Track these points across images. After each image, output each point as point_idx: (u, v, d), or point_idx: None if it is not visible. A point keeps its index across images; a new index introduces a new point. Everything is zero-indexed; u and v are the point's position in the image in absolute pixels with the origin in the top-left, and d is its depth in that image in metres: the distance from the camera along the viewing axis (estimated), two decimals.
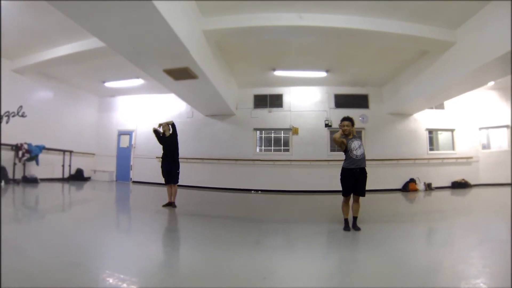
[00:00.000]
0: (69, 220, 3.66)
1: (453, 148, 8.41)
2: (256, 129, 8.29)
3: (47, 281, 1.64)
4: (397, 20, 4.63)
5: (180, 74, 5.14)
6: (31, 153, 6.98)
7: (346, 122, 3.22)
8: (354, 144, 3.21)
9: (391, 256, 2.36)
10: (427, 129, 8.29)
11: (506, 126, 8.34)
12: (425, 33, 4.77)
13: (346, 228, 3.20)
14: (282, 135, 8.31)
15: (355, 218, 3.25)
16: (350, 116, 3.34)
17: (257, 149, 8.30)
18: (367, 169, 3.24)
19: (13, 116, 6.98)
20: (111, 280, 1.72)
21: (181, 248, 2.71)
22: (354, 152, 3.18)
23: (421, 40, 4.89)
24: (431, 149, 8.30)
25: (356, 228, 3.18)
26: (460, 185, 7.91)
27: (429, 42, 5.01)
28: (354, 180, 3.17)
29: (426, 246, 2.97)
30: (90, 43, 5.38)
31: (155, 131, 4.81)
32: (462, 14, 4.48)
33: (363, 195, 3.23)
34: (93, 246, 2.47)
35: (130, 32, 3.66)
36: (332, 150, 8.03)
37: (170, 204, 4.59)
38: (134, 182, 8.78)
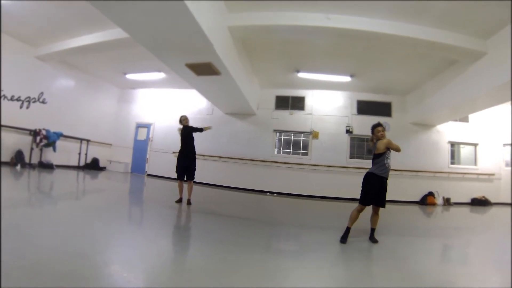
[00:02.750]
0: (80, 209, 3.63)
1: (475, 164, 8.15)
2: (276, 131, 8.19)
3: (49, 269, 1.62)
4: (426, 26, 4.46)
5: (203, 70, 5.08)
6: (48, 139, 7.05)
7: (381, 128, 3.15)
8: (388, 152, 3.09)
9: (406, 272, 2.27)
10: (449, 142, 8.05)
11: None
12: (455, 41, 4.59)
13: (344, 239, 2.93)
14: (302, 138, 8.18)
15: (373, 230, 3.12)
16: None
17: (276, 151, 8.19)
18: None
19: (34, 102, 7.09)
20: (112, 274, 1.69)
21: (190, 247, 2.65)
22: (388, 161, 3.06)
23: (450, 48, 4.70)
24: (452, 163, 8.06)
25: (374, 240, 3.04)
26: (480, 202, 7.65)
27: (458, 51, 4.81)
28: (380, 189, 3.01)
29: (440, 263, 2.84)
30: (112, 33, 5.40)
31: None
32: (494, 24, 4.28)
33: (384, 207, 3.10)
34: (100, 237, 2.42)
35: (153, 23, 3.60)
36: (352, 157, 7.88)
37: (181, 200, 4.49)
38: (149, 175, 8.79)
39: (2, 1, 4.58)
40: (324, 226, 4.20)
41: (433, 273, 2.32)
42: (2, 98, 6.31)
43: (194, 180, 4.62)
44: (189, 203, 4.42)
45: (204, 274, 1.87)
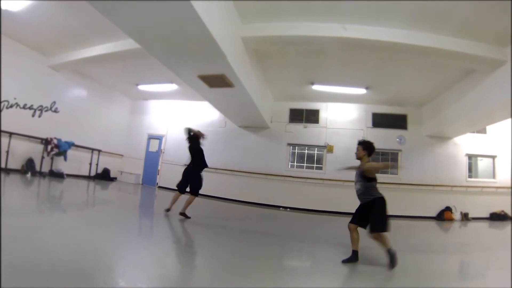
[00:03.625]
0: (87, 219, 3.61)
1: (493, 177, 7.90)
2: (289, 144, 8.09)
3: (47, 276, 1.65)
4: (443, 35, 4.34)
5: (216, 81, 4.99)
6: (60, 148, 7.07)
7: (359, 146, 2.95)
8: (355, 176, 2.98)
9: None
10: (467, 154, 7.83)
11: None
12: (473, 50, 4.44)
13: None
14: (316, 152, 8.06)
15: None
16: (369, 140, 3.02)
17: (289, 165, 8.08)
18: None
19: (46, 110, 7.13)
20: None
21: (196, 261, 2.66)
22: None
23: (468, 57, 4.56)
24: (469, 176, 7.84)
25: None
26: (499, 217, 7.40)
27: (477, 60, 4.66)
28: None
29: (458, 280, 2.78)
30: (125, 44, 5.37)
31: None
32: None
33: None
34: (103, 249, 2.40)
35: (165, 33, 3.52)
36: None
37: (168, 210, 4.37)
38: (160, 187, 8.74)
39: (2, 1, 4.55)
40: (338, 242, 3.96)
41: None
42: (14, 107, 6.36)
43: (196, 195, 4.38)
44: (180, 214, 4.21)
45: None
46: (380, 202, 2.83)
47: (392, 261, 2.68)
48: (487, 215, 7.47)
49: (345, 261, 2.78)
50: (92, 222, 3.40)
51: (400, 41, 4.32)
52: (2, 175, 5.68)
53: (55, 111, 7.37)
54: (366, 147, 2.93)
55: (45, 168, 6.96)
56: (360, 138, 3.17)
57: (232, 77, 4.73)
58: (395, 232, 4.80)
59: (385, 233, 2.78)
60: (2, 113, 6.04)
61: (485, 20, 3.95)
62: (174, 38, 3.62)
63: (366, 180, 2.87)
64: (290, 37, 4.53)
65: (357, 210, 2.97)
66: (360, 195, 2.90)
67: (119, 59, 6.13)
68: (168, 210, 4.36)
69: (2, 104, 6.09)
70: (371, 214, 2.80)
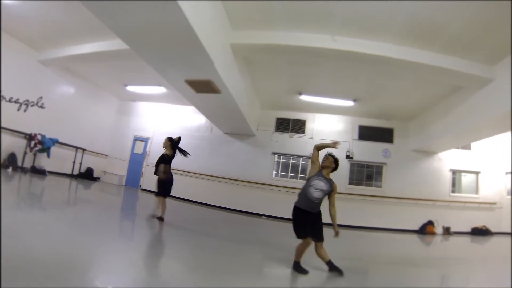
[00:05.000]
0: (67, 218, 3.56)
1: (476, 192, 8.00)
2: (274, 153, 8.08)
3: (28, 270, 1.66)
4: (433, 52, 4.40)
5: (202, 87, 4.95)
6: (43, 145, 6.90)
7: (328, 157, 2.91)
8: (318, 182, 2.83)
9: None
10: (451, 170, 7.91)
11: None
12: (462, 67, 4.51)
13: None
14: (301, 162, 8.05)
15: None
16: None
17: (274, 174, 8.06)
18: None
19: (32, 105, 6.96)
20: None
21: (166, 264, 2.66)
22: (312, 192, 2.81)
23: (456, 74, 4.61)
24: (453, 191, 7.91)
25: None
26: (480, 232, 7.49)
27: (465, 77, 4.72)
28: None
29: None
30: (115, 44, 5.28)
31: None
32: (501, 50, 4.17)
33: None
34: (79, 250, 2.37)
35: (154, 36, 3.49)
36: (351, 183, 7.74)
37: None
38: (143, 189, 8.64)
39: (2, 1, 4.48)
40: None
41: None
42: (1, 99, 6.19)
43: (162, 196, 4.47)
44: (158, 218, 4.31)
45: None
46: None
47: (337, 269, 2.78)
48: (469, 230, 7.55)
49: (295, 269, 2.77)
50: (71, 222, 3.37)
51: (390, 56, 4.35)
52: None
53: (41, 106, 7.21)
54: (336, 161, 2.90)
55: (27, 164, 6.78)
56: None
57: (219, 84, 4.69)
58: (377, 245, 4.88)
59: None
60: None
61: (474, 38, 4.01)
62: (163, 41, 3.59)
63: (329, 194, 2.85)
64: (280, 46, 4.51)
65: (308, 222, 2.79)
66: (317, 204, 2.81)
67: (109, 59, 6.05)
68: (161, 218, 4.35)
69: None
70: (319, 225, 2.84)
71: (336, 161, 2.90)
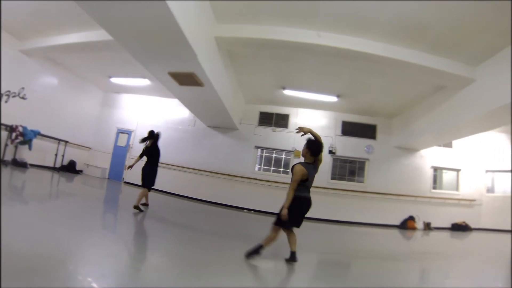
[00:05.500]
0: (48, 212, 3.51)
1: (457, 189, 8.17)
2: (257, 147, 8.07)
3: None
4: (418, 51, 4.46)
5: (186, 80, 4.93)
6: (25, 137, 6.76)
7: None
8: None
9: None
10: (432, 167, 8.05)
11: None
12: (445, 67, 4.59)
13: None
14: (284, 156, 8.08)
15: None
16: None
17: (256, 168, 8.06)
18: None
19: (14, 96, 6.78)
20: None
21: (146, 256, 2.68)
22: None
23: (440, 74, 4.70)
24: (434, 188, 8.05)
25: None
26: (460, 228, 7.66)
27: (447, 77, 4.81)
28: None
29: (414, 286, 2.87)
30: (100, 34, 5.20)
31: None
32: (484, 51, 4.29)
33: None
34: (60, 243, 2.35)
35: (137, 27, 3.45)
36: (333, 178, 7.81)
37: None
38: (126, 182, 8.54)
39: (2, 1, 4.42)
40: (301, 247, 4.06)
41: None
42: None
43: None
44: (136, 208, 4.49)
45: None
46: None
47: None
48: (449, 225, 7.71)
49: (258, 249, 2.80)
50: (53, 215, 3.32)
51: (375, 53, 4.39)
52: None
53: (23, 97, 7.03)
54: (308, 145, 2.89)
55: (8, 157, 6.63)
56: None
57: (202, 77, 4.66)
58: (359, 240, 4.92)
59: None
60: None
61: (458, 39, 4.08)
62: (146, 33, 3.55)
63: None
64: (264, 40, 4.51)
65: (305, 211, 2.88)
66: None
67: (93, 50, 5.94)
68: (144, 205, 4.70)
69: None
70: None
71: (308, 144, 2.87)
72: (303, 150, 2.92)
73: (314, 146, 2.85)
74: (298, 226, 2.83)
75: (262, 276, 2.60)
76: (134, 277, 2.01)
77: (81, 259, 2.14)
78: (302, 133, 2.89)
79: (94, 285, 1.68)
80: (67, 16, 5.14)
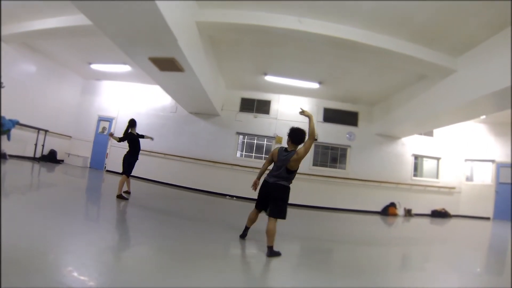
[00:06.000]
0: (30, 203, 3.44)
1: (437, 177, 8.35)
2: (239, 133, 8.04)
3: None
4: (400, 40, 4.49)
5: (166, 65, 4.86)
6: (3, 127, 6.52)
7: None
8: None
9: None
10: (413, 155, 8.20)
11: (492, 161, 8.33)
12: (427, 57, 4.64)
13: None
14: (265, 142, 8.07)
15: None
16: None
17: (238, 154, 8.04)
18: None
19: None
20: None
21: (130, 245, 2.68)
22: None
23: (422, 63, 4.76)
24: (415, 175, 8.21)
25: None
26: (439, 214, 7.85)
27: (429, 67, 4.87)
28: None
29: (397, 270, 2.98)
30: (79, 19, 5.05)
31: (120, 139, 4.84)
32: (466, 43, 4.36)
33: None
34: (41, 234, 2.32)
35: (117, 12, 3.37)
36: (315, 164, 7.85)
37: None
38: (108, 171, 8.43)
39: (2, 1, 4.29)
40: (283, 234, 4.03)
41: (390, 280, 2.48)
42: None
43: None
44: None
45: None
46: None
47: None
48: (429, 212, 7.89)
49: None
50: (34, 206, 3.25)
51: (357, 40, 4.38)
52: None
53: (0, 86, 6.84)
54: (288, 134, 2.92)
55: None
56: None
57: (183, 62, 4.60)
58: (340, 225, 5.00)
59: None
60: None
61: (441, 29, 4.12)
62: (126, 17, 3.47)
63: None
64: (245, 26, 4.45)
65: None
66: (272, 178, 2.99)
67: (72, 35, 5.77)
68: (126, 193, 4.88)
69: None
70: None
71: (290, 132, 2.87)
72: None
73: (294, 134, 2.79)
74: (255, 207, 2.93)
75: (244, 264, 2.59)
76: (116, 265, 2.02)
77: (63, 250, 2.12)
78: (301, 111, 2.86)
79: (92, 284, 1.64)
80: (44, 0, 4.97)
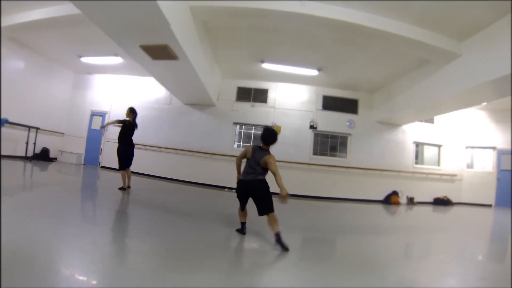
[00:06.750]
0: (22, 205, 3.27)
1: (438, 164, 8.25)
2: (236, 123, 7.83)
3: None
4: (404, 23, 4.32)
5: (159, 53, 4.60)
6: None
7: None
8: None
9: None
10: (414, 142, 8.07)
11: (493, 148, 8.23)
12: (431, 40, 4.46)
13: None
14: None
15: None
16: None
17: (236, 145, 7.83)
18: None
19: None
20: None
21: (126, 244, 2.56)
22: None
23: (426, 47, 4.57)
24: (416, 163, 8.08)
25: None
26: (442, 202, 7.76)
27: (433, 51, 4.69)
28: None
29: (400, 259, 2.92)
30: (64, 9, 4.85)
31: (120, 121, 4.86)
32: (472, 26, 4.18)
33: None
34: (35, 237, 2.21)
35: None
36: (315, 153, 7.68)
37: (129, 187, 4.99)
38: (103, 167, 8.20)
39: (2, 1, 4.15)
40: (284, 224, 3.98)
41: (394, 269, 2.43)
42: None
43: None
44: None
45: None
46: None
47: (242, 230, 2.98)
48: (431, 200, 7.79)
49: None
50: (27, 208, 3.10)
51: (360, 23, 4.20)
52: None
53: None
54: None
55: None
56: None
57: (177, 49, 4.35)
58: (343, 216, 5.07)
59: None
60: None
61: (446, 12, 3.96)
62: (114, 2, 3.23)
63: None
64: (243, 9, 4.21)
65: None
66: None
67: (58, 26, 5.52)
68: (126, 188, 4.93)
69: None
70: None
71: (263, 131, 2.94)
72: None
73: (267, 136, 2.88)
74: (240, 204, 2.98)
75: (247, 256, 2.53)
76: (115, 267, 1.92)
77: (60, 250, 2.06)
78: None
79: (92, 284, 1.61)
80: None
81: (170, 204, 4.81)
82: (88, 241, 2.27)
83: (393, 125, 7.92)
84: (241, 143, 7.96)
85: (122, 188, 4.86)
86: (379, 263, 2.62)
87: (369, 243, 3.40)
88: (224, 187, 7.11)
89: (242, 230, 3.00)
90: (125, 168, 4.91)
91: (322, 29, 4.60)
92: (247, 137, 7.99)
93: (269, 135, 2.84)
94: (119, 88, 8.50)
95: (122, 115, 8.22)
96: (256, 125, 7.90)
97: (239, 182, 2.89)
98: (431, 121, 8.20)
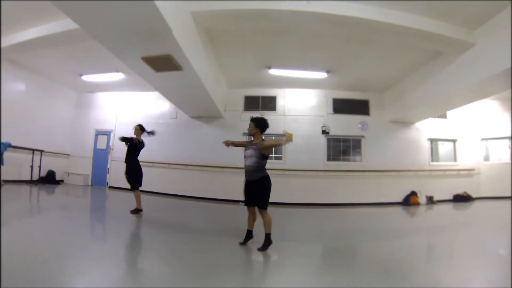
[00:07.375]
0: (29, 230, 3.13)
1: (455, 160, 7.97)
2: (245, 134, 7.51)
3: None
4: (413, 14, 4.14)
5: (162, 64, 4.39)
6: None
7: (251, 123, 3.01)
8: (247, 151, 2.95)
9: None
10: (429, 139, 7.81)
11: (508, 138, 7.93)
12: (443, 31, 4.27)
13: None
14: None
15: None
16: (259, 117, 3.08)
17: None
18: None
19: None
20: None
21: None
22: (245, 161, 2.94)
23: (437, 38, 4.38)
24: (432, 160, 7.82)
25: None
26: (462, 198, 7.49)
27: (446, 42, 4.48)
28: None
29: (426, 262, 2.82)
30: (60, 24, 4.74)
31: (125, 139, 4.58)
32: (483, 13, 3.98)
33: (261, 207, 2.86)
34: (51, 263, 2.18)
35: (104, 7, 2.97)
36: (329, 159, 7.43)
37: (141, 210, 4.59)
38: (111, 187, 7.99)
39: (2, 1, 4.06)
40: (305, 236, 3.85)
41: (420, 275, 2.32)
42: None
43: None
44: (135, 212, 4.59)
45: None
46: (268, 180, 2.89)
47: (266, 245, 2.79)
48: (451, 197, 7.53)
49: (242, 243, 2.96)
50: (35, 234, 3.00)
51: (368, 17, 4.04)
52: None
53: None
54: (258, 124, 2.94)
55: None
56: (257, 116, 3.16)
57: (180, 58, 4.15)
58: (362, 221, 4.97)
59: (270, 220, 2.83)
60: None
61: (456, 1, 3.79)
62: (113, 12, 3.07)
63: (262, 157, 2.88)
64: (245, 11, 4.04)
65: (247, 191, 2.99)
66: (252, 171, 2.90)
67: (56, 43, 5.38)
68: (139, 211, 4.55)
69: None
70: (258, 191, 2.84)
71: (257, 121, 2.94)
72: (250, 129, 3.01)
73: (260, 123, 2.96)
74: (245, 204, 3.02)
75: (268, 272, 2.41)
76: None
77: (72, 272, 2.02)
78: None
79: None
80: (19, 9, 4.54)
81: (183, 221, 4.67)
82: (101, 262, 2.22)
83: (406, 123, 7.68)
84: None
85: (138, 210, 4.52)
86: (408, 267, 2.56)
87: (392, 247, 3.30)
88: (238, 201, 6.88)
89: (243, 240, 2.94)
90: (138, 187, 4.66)
91: (329, 27, 4.41)
92: None
93: (262, 120, 3.01)
94: (123, 106, 8.33)
95: (127, 133, 8.10)
96: (266, 134, 7.60)
97: (245, 182, 3.01)
98: (444, 116, 7.96)
